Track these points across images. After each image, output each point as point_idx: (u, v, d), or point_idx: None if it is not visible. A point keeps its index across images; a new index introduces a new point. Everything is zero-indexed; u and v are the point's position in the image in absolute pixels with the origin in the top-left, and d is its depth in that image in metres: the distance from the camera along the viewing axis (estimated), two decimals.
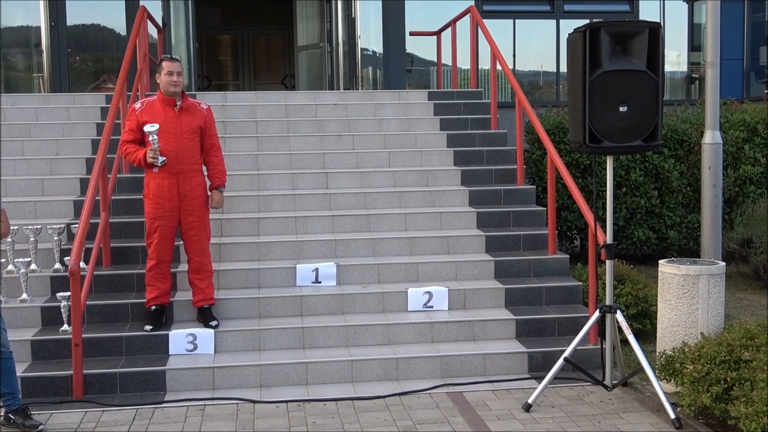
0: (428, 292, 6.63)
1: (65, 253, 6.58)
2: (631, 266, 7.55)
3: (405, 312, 6.60)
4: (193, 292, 6.34)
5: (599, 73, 5.29)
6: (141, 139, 6.15)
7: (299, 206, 7.73)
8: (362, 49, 12.48)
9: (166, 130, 6.08)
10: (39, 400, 5.65)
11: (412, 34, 11.73)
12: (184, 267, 6.51)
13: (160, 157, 6.03)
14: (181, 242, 6.38)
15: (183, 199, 6.17)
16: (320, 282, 6.81)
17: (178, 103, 6.18)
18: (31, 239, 6.65)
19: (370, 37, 12.53)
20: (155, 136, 6.00)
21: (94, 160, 6.92)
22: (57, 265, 6.70)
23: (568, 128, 5.73)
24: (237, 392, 5.78)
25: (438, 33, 10.88)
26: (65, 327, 6.10)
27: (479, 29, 9.17)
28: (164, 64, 6.16)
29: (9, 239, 6.57)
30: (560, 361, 5.55)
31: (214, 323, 6.23)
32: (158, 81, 6.21)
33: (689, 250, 8.97)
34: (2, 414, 5.22)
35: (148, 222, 6.22)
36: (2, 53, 12.15)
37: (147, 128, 6.01)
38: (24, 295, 6.39)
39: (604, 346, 5.77)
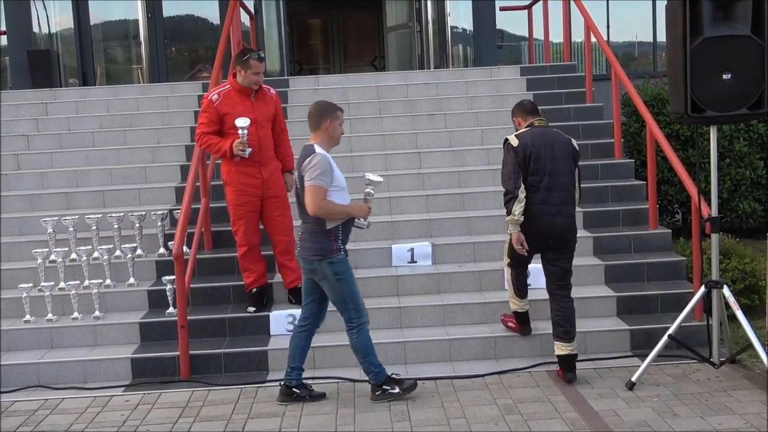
0: None
1: (169, 238, 6.79)
2: (737, 240, 7.31)
3: (502, 290, 6.53)
4: (283, 274, 6.42)
5: (701, 40, 5.10)
6: (220, 130, 6.19)
7: (393, 187, 7.74)
8: (452, 27, 12.37)
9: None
10: (148, 379, 5.87)
11: (502, 9, 11.54)
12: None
13: (248, 149, 6.09)
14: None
15: (266, 183, 6.23)
16: (416, 262, 6.82)
17: (254, 93, 6.20)
18: (136, 225, 6.89)
19: (460, 14, 12.40)
20: (246, 131, 5.99)
21: (193, 147, 7.09)
22: (161, 250, 6.92)
23: (668, 99, 5.56)
24: (337, 371, 5.87)
25: (529, 7, 10.68)
26: (171, 309, 6.30)
27: (572, 1, 8.95)
28: (252, 63, 6.09)
29: (115, 225, 6.83)
30: (664, 338, 5.41)
31: None
32: (238, 73, 6.15)
33: None
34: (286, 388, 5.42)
35: (233, 209, 6.28)
36: (102, 46, 12.59)
37: (239, 123, 5.98)
38: (131, 279, 6.63)
39: (710, 323, 5.59)
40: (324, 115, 5.20)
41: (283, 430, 4.93)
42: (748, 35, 5.12)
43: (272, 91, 6.43)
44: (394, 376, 5.32)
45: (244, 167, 6.17)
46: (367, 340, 5.26)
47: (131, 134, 8.74)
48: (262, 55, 6.30)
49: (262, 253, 6.47)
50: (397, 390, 5.26)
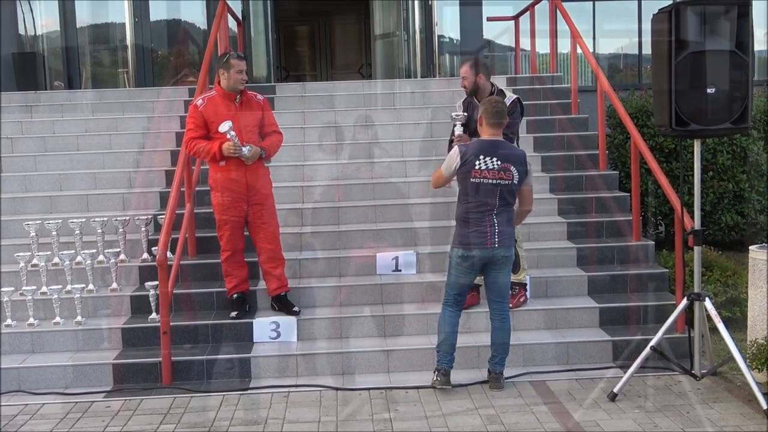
0: None
1: (153, 243, 6.75)
2: (719, 252, 7.36)
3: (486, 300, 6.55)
4: (267, 281, 6.41)
5: (686, 54, 5.14)
6: (207, 135, 6.18)
7: (378, 195, 7.75)
8: (439, 37, 12.42)
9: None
10: (130, 385, 5.83)
11: (489, 19, 11.61)
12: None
13: (244, 148, 6.08)
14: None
15: (251, 190, 6.22)
16: (400, 270, 6.83)
17: (238, 98, 6.23)
18: (120, 230, 6.86)
19: (447, 24, 12.45)
20: (233, 133, 6.00)
21: (178, 152, 7.07)
22: (145, 255, 6.88)
23: (653, 111, 5.59)
24: (320, 379, 5.85)
25: (516, 17, 10.73)
26: (154, 315, 6.27)
27: (558, 12, 9.01)
28: (234, 62, 6.10)
29: (99, 230, 6.79)
30: (647, 349, 5.44)
31: (296, 309, 6.31)
32: (221, 77, 6.16)
33: None
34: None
35: (218, 214, 6.27)
36: (89, 49, 12.54)
37: (222, 128, 5.98)
38: (114, 285, 6.59)
39: (692, 335, 5.63)
40: (505, 113, 5.52)
41: None
42: (732, 50, 5.17)
43: (259, 96, 6.42)
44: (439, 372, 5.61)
45: (229, 172, 6.16)
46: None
47: (116, 138, 8.70)
48: (241, 54, 6.29)
49: (245, 259, 6.45)
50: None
